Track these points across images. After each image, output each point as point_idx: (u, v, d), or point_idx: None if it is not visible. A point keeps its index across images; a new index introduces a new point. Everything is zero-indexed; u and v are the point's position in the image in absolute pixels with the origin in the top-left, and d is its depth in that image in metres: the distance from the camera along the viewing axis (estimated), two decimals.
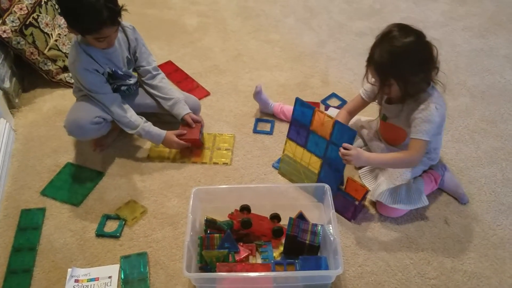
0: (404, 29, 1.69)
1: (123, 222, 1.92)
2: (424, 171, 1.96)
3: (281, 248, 1.79)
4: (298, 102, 1.92)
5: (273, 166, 2.15)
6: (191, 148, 2.20)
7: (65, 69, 2.57)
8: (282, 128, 2.30)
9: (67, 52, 2.52)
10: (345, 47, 2.89)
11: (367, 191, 1.87)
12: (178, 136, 2.11)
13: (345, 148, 1.77)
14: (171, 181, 2.09)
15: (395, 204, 1.84)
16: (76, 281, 1.73)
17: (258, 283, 1.64)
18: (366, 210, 1.96)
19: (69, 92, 2.37)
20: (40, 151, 2.22)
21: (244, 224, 1.78)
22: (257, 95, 2.34)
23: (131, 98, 2.18)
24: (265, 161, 2.18)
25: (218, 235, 1.72)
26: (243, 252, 1.75)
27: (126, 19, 1.92)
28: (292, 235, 1.69)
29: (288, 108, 2.29)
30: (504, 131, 2.31)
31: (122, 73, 2.06)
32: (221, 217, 1.83)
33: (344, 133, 1.80)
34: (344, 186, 1.91)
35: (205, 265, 1.69)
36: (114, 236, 1.87)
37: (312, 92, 2.55)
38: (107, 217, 1.94)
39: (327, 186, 1.78)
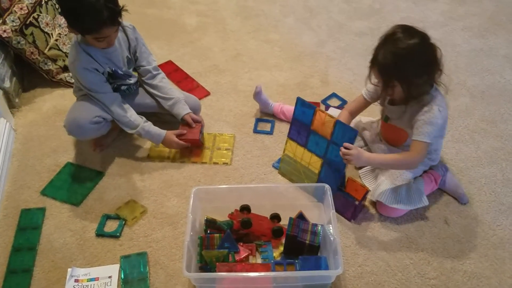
0: (408, 30, 1.69)
1: (123, 222, 1.92)
2: (425, 171, 1.96)
3: (281, 248, 1.79)
4: (299, 101, 1.92)
5: (273, 166, 2.15)
6: (191, 148, 2.20)
7: (65, 68, 2.57)
8: (282, 128, 2.30)
9: (68, 51, 2.52)
10: (344, 47, 2.89)
11: (367, 191, 1.87)
12: (178, 136, 2.11)
13: (346, 148, 1.77)
14: (171, 181, 2.09)
15: (395, 204, 1.84)
16: (76, 281, 1.73)
17: (258, 283, 1.64)
18: (366, 210, 1.96)
19: (69, 92, 2.37)
20: (40, 151, 2.22)
21: (244, 224, 1.78)
22: (257, 95, 2.34)
23: (131, 97, 2.18)
24: (265, 161, 2.18)
25: (218, 235, 1.72)
26: (243, 252, 1.75)
27: (126, 19, 1.92)
28: (292, 235, 1.69)
29: (288, 108, 2.30)
30: (504, 131, 2.31)
31: (122, 73, 2.06)
32: (221, 217, 1.83)
33: (345, 132, 1.80)
34: (344, 186, 1.91)
35: (205, 265, 1.69)
36: (114, 236, 1.87)
37: (311, 92, 2.55)
38: (107, 217, 1.94)
39: (327, 186, 1.78)
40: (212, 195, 1.86)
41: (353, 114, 2.03)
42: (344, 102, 2.46)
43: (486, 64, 2.74)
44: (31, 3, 2.40)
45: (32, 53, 2.43)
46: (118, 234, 1.88)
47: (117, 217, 1.94)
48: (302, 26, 3.07)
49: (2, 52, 2.37)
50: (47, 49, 2.48)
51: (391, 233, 1.88)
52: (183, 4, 3.29)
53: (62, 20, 2.56)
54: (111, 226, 1.92)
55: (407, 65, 1.66)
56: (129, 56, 2.08)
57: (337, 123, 1.81)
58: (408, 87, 1.70)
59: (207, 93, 2.54)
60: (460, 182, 2.04)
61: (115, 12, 1.77)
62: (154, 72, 2.17)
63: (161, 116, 2.24)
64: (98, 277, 1.74)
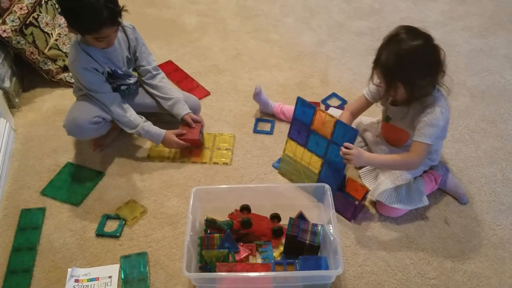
0: (412, 31, 1.68)
1: (123, 222, 1.92)
2: (425, 171, 1.96)
3: (281, 248, 1.79)
4: (299, 101, 1.92)
5: (273, 166, 2.15)
6: (191, 148, 2.20)
7: (65, 68, 2.57)
8: (282, 128, 2.30)
9: (67, 51, 2.52)
10: (344, 47, 2.89)
11: (367, 191, 1.87)
12: (177, 136, 2.11)
13: (346, 148, 1.77)
14: (171, 181, 2.09)
15: (395, 204, 1.84)
16: (76, 281, 1.73)
17: (258, 283, 1.64)
18: (366, 210, 1.96)
19: (69, 92, 2.37)
20: (40, 151, 2.22)
21: (244, 224, 1.78)
22: (257, 95, 2.34)
23: (131, 97, 2.17)
24: (265, 161, 2.18)
25: (218, 235, 1.72)
26: (243, 252, 1.75)
27: (125, 19, 1.92)
28: (292, 235, 1.69)
29: (288, 108, 2.30)
30: (504, 131, 2.31)
31: (121, 73, 2.06)
32: (221, 217, 1.83)
33: (345, 132, 1.80)
34: (344, 186, 1.91)
35: (205, 265, 1.69)
36: (114, 236, 1.87)
37: (311, 92, 2.55)
38: (107, 217, 1.94)
39: (327, 186, 1.78)
40: (212, 195, 1.86)
41: (355, 114, 2.03)
42: (344, 102, 2.46)
43: (486, 64, 2.74)
44: (31, 3, 2.40)
45: (32, 53, 2.43)
46: (118, 234, 1.88)
47: (117, 217, 1.94)
48: (302, 26, 3.07)
49: (2, 52, 2.37)
50: (47, 49, 2.48)
51: (391, 233, 1.88)
52: (183, 4, 3.29)
53: (62, 20, 2.56)
54: (111, 226, 1.92)
55: (410, 66, 1.66)
56: (129, 56, 2.08)
57: (337, 123, 1.81)
58: (411, 88, 1.69)
59: (207, 93, 2.54)
60: (460, 182, 2.04)
61: (115, 12, 1.77)
62: (154, 72, 2.17)
63: (161, 116, 2.24)
64: (98, 277, 1.74)
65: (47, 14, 2.48)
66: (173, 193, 2.04)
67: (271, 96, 2.42)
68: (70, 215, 1.96)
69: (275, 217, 1.87)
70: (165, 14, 3.19)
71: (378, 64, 1.71)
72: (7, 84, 2.34)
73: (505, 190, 2.04)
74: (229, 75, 2.67)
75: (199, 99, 2.38)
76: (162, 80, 2.18)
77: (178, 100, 2.14)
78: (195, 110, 2.23)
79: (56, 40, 2.53)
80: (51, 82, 2.55)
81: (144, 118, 2.08)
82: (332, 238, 1.65)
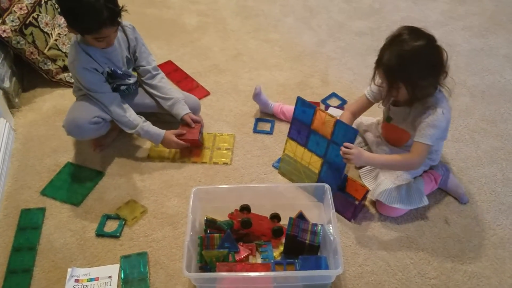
0: (414, 32, 1.67)
1: (123, 222, 1.92)
2: (425, 171, 1.96)
3: (281, 248, 1.79)
4: (299, 101, 1.92)
5: (273, 166, 2.15)
6: (191, 148, 2.20)
7: (65, 68, 2.57)
8: (282, 128, 2.30)
9: (67, 51, 2.52)
10: (344, 47, 2.89)
11: (367, 191, 1.87)
12: (177, 136, 2.11)
13: (346, 147, 1.77)
14: (171, 181, 2.09)
15: (395, 203, 1.84)
16: (76, 281, 1.73)
17: (258, 283, 1.64)
18: (366, 209, 1.96)
19: (69, 92, 2.37)
20: (40, 151, 2.22)
21: (244, 224, 1.78)
22: (257, 96, 2.34)
23: (131, 97, 2.17)
24: (265, 160, 2.18)
25: (218, 235, 1.72)
26: (243, 252, 1.75)
27: (125, 19, 1.92)
28: (292, 235, 1.69)
29: (288, 108, 2.29)
30: (504, 130, 2.31)
31: (121, 73, 2.06)
32: (221, 217, 1.83)
33: (345, 132, 1.80)
34: (344, 186, 1.91)
35: (205, 265, 1.69)
36: (114, 236, 1.87)
37: (311, 91, 2.55)
38: (107, 217, 1.94)
39: (327, 186, 1.78)
40: (212, 195, 1.86)
41: (355, 114, 2.02)
42: (344, 101, 2.46)
43: (486, 63, 2.74)
44: (30, 3, 2.40)
45: (31, 53, 2.43)
46: (118, 234, 1.88)
47: (117, 217, 1.94)
48: (302, 26, 3.07)
49: (1, 52, 2.37)
50: (46, 49, 2.48)
51: (391, 232, 1.88)
52: (183, 4, 3.29)
53: (61, 20, 2.56)
54: (111, 226, 1.92)
55: (412, 66, 1.65)
56: (129, 56, 2.08)
57: (337, 122, 1.81)
58: (412, 89, 1.69)
59: (207, 93, 2.54)
60: (460, 182, 2.04)
61: (115, 12, 1.77)
62: (154, 72, 2.17)
63: (160, 116, 2.24)
64: (98, 277, 1.74)
65: (47, 14, 2.48)
66: (173, 193, 2.04)
67: (271, 96, 2.42)
68: (70, 215, 1.96)
69: (275, 217, 1.87)
70: (165, 14, 3.19)
71: (381, 64, 1.71)
72: (7, 84, 2.34)
73: (505, 190, 2.04)
74: (229, 75, 2.67)
75: (199, 99, 2.38)
76: (161, 80, 2.18)
77: (178, 100, 2.14)
78: (195, 110, 2.23)
79: (56, 40, 2.53)
80: (51, 82, 2.55)
81: (143, 118, 2.08)
82: (332, 238, 1.64)
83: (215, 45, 2.90)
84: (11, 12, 2.34)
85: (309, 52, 2.85)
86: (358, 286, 1.72)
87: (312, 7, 3.25)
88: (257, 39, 2.95)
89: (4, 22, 2.32)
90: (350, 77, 2.65)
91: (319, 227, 1.71)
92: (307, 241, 1.68)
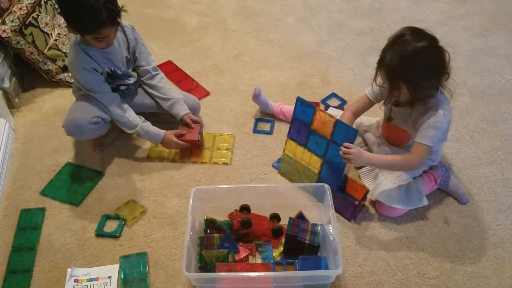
0: (417, 33, 1.67)
1: (123, 222, 1.92)
2: (424, 171, 1.96)
3: (281, 248, 1.79)
4: (299, 101, 1.92)
5: (273, 166, 2.15)
6: (191, 148, 2.20)
7: (65, 68, 2.57)
8: (282, 128, 2.30)
9: (67, 51, 2.52)
10: (345, 47, 2.89)
11: (367, 191, 1.87)
12: (177, 136, 2.11)
13: (346, 147, 1.77)
14: (171, 181, 2.09)
15: (395, 203, 1.84)
16: (76, 281, 1.73)
17: (257, 283, 1.64)
18: (366, 210, 1.96)
19: (68, 92, 2.37)
20: (39, 151, 2.22)
21: (244, 224, 1.78)
22: (256, 97, 2.33)
23: (130, 98, 2.17)
24: (265, 160, 2.17)
25: (217, 235, 1.72)
26: (243, 252, 1.75)
27: (125, 19, 1.92)
28: (292, 235, 1.69)
29: (288, 108, 2.29)
30: (504, 130, 2.31)
31: (121, 73, 2.06)
32: (221, 217, 1.83)
33: (345, 132, 1.80)
34: (344, 186, 1.91)
35: (205, 265, 1.69)
36: (114, 236, 1.87)
37: (312, 91, 2.55)
38: (107, 217, 1.94)
39: (327, 186, 1.78)
40: (212, 195, 1.86)
41: (356, 114, 2.02)
42: (344, 102, 2.46)
43: (486, 63, 2.74)
44: (30, 3, 2.40)
45: (31, 53, 2.43)
46: (118, 234, 1.88)
47: (117, 217, 1.94)
48: (302, 26, 3.07)
49: (1, 52, 2.37)
50: (46, 49, 2.48)
51: (391, 233, 1.88)
52: (183, 4, 3.29)
53: (61, 20, 2.56)
54: (111, 226, 1.92)
55: (414, 67, 1.65)
56: (128, 56, 2.08)
57: (337, 122, 1.81)
58: (414, 89, 1.69)
59: (207, 93, 2.54)
60: (460, 182, 2.04)
61: (114, 13, 1.77)
62: (153, 72, 2.16)
63: (160, 116, 2.23)
64: (97, 277, 1.74)
65: (46, 14, 2.48)
66: (173, 193, 2.04)
67: (271, 96, 2.42)
68: (70, 215, 1.96)
69: (275, 217, 1.87)
70: (165, 14, 3.19)
71: (382, 64, 1.71)
72: (6, 84, 2.34)
73: (505, 190, 2.03)
74: (230, 75, 2.67)
75: (199, 99, 2.38)
76: (161, 81, 2.18)
77: (177, 100, 2.14)
78: (195, 110, 2.23)
79: (55, 40, 2.53)
80: (50, 82, 2.55)
81: (143, 118, 2.08)
82: (331, 238, 1.64)
83: (215, 45, 2.90)
84: (11, 12, 2.34)
85: (309, 52, 2.85)
86: (358, 286, 1.72)
87: (312, 7, 3.25)
88: (257, 39, 2.95)
89: (4, 22, 2.32)
90: (350, 77, 2.65)
91: (319, 227, 1.71)
92: (307, 241, 1.68)
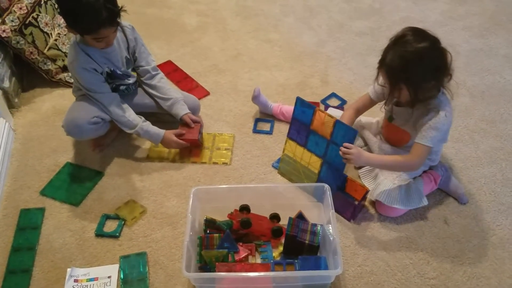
0: (418, 34, 1.66)
1: (123, 222, 1.92)
2: (424, 171, 1.96)
3: (281, 248, 1.79)
4: (299, 101, 1.92)
5: (272, 166, 2.15)
6: (191, 148, 2.20)
7: (64, 68, 2.57)
8: (281, 128, 2.30)
9: (67, 51, 2.52)
10: (344, 47, 2.89)
11: (367, 191, 1.87)
12: (177, 136, 2.11)
13: (345, 147, 1.77)
14: (171, 181, 2.09)
15: (395, 204, 1.84)
16: (76, 281, 1.73)
17: (257, 283, 1.64)
18: (365, 210, 1.96)
19: (68, 92, 2.37)
20: (39, 151, 2.22)
21: (244, 224, 1.78)
22: (256, 98, 2.33)
23: (130, 98, 2.17)
24: (265, 161, 2.17)
25: (217, 235, 1.72)
26: (243, 252, 1.75)
27: (125, 19, 1.92)
28: (292, 235, 1.69)
29: (287, 109, 2.29)
30: (504, 131, 2.31)
31: (120, 73, 2.06)
32: (221, 217, 1.83)
33: (345, 132, 1.80)
34: (344, 186, 1.91)
35: (205, 265, 1.69)
36: (114, 236, 1.87)
37: (311, 92, 2.55)
38: (107, 217, 1.94)
39: (326, 186, 1.78)
40: (212, 195, 1.86)
41: (358, 112, 2.02)
42: (343, 102, 2.46)
43: (486, 64, 2.74)
44: (30, 3, 2.40)
45: (31, 53, 2.43)
46: (117, 234, 1.88)
47: (116, 217, 1.94)
48: (302, 26, 3.07)
49: (1, 52, 2.37)
50: (46, 49, 2.48)
51: (391, 233, 1.88)
52: (183, 4, 3.29)
53: (61, 20, 2.56)
54: (110, 226, 1.92)
55: (415, 69, 1.64)
56: (128, 56, 2.08)
57: (337, 122, 1.81)
58: (415, 90, 1.68)
59: (207, 93, 2.54)
60: (460, 182, 2.04)
61: (114, 13, 1.77)
62: (153, 72, 2.16)
63: (160, 116, 2.23)
64: (97, 277, 1.74)
65: (46, 14, 2.48)
66: (173, 193, 2.04)
67: (271, 96, 2.42)
68: (70, 215, 1.96)
69: (275, 217, 1.87)
70: (165, 14, 3.19)
71: (383, 64, 1.71)
72: (6, 84, 2.34)
73: (505, 190, 2.03)
74: (229, 75, 2.67)
75: (199, 99, 2.38)
76: (161, 80, 2.18)
77: (177, 100, 2.14)
78: (195, 110, 2.23)
79: (55, 40, 2.53)
80: (50, 82, 2.55)
81: (143, 118, 2.08)
82: (331, 238, 1.64)
83: (215, 45, 2.90)
84: (10, 12, 2.34)
85: (309, 52, 2.85)
86: (358, 286, 1.72)
87: (312, 7, 3.25)
88: (257, 39, 2.95)
89: (3, 22, 2.32)
90: (350, 77, 2.65)
91: (319, 227, 1.71)
92: (307, 241, 1.68)
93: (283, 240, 1.78)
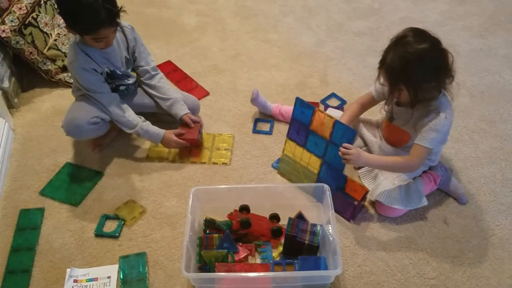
0: (419, 35, 1.66)
1: (122, 222, 1.92)
2: (424, 172, 1.96)
3: (280, 248, 1.79)
4: (298, 101, 1.92)
5: (272, 166, 2.15)
6: (190, 148, 2.20)
7: (64, 68, 2.57)
8: (281, 128, 2.30)
9: (67, 51, 2.52)
10: (344, 47, 2.89)
11: (366, 191, 1.87)
12: (177, 135, 2.11)
13: (345, 148, 1.77)
14: (170, 181, 2.09)
15: (394, 204, 1.84)
16: (75, 281, 1.73)
17: (257, 283, 1.64)
18: (365, 210, 1.96)
19: (68, 92, 2.37)
20: (39, 151, 2.22)
21: (243, 224, 1.78)
22: (254, 100, 2.33)
23: (130, 98, 2.17)
24: (264, 161, 2.17)
25: (217, 235, 1.72)
26: (242, 252, 1.75)
27: (124, 19, 1.92)
28: (291, 235, 1.69)
29: (286, 109, 2.29)
30: (503, 131, 2.31)
31: (120, 73, 2.06)
32: (220, 217, 1.83)
33: (344, 132, 1.80)
34: (343, 186, 1.91)
35: (204, 265, 1.69)
36: (113, 236, 1.87)
37: (311, 92, 2.55)
38: (106, 217, 1.94)
39: (326, 186, 1.78)
40: (211, 195, 1.86)
41: (363, 108, 2.03)
42: (343, 102, 2.46)
43: (485, 64, 2.74)
44: (30, 3, 2.40)
45: (31, 53, 2.42)
46: (117, 234, 1.88)
47: (116, 217, 1.94)
48: (301, 26, 3.07)
49: (1, 52, 2.37)
50: (46, 49, 2.48)
51: (391, 233, 1.88)
52: (183, 4, 3.28)
53: (61, 20, 2.55)
54: (110, 226, 1.92)
55: (415, 70, 1.64)
56: (128, 57, 2.08)
57: (336, 123, 1.81)
58: (414, 91, 1.68)
59: (206, 93, 2.54)
60: (460, 182, 2.04)
61: (113, 13, 1.77)
62: (153, 72, 2.16)
63: (160, 116, 2.23)
64: (97, 278, 1.74)
65: (46, 14, 2.48)
66: (172, 193, 2.04)
67: (271, 96, 2.42)
68: (69, 215, 1.96)
69: (274, 217, 1.87)
70: (164, 14, 3.19)
71: (384, 64, 1.71)
72: (6, 84, 2.34)
73: (504, 190, 2.04)
74: (229, 75, 2.67)
75: (198, 99, 2.38)
76: (160, 80, 2.18)
77: (177, 100, 2.14)
78: (194, 110, 2.23)
79: (55, 40, 2.53)
80: (50, 82, 2.55)
81: (143, 118, 2.08)
82: (331, 238, 1.65)
83: (214, 45, 2.90)
84: (10, 12, 2.34)
85: (309, 52, 2.85)
86: (357, 286, 1.72)
87: (312, 7, 3.25)
88: (256, 39, 2.95)
89: (3, 22, 2.31)
90: (349, 77, 2.65)
91: (318, 228, 1.71)
92: (306, 242, 1.68)
93: (282, 240, 1.78)
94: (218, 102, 2.49)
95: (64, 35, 2.58)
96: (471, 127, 2.33)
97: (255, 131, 2.32)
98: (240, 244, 1.80)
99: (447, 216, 1.94)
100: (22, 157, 2.19)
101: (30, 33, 2.40)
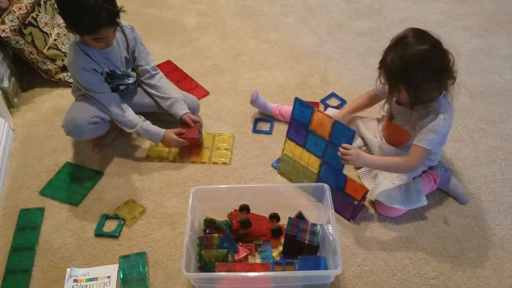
0: (420, 35, 1.65)
1: (122, 222, 1.91)
2: (424, 171, 1.96)
3: (280, 248, 1.79)
4: (297, 101, 1.92)
5: (272, 166, 2.15)
6: (190, 148, 2.20)
7: (64, 68, 2.57)
8: (281, 128, 2.30)
9: (66, 51, 2.52)
10: (344, 47, 2.89)
11: (366, 191, 1.86)
12: (177, 134, 2.11)
13: (344, 148, 1.77)
14: (170, 180, 2.09)
15: (394, 204, 1.84)
16: (75, 281, 1.73)
17: (257, 283, 1.64)
18: (365, 209, 1.96)
19: (68, 92, 2.37)
20: (38, 151, 2.22)
21: (243, 224, 1.78)
22: (254, 102, 2.34)
23: (130, 97, 2.17)
24: (264, 160, 2.17)
25: (217, 235, 1.72)
26: (242, 252, 1.75)
27: (124, 19, 1.92)
28: (291, 235, 1.69)
29: (286, 109, 2.29)
30: (503, 130, 2.31)
31: (120, 73, 2.06)
32: (220, 217, 1.83)
33: (343, 133, 1.80)
34: (343, 186, 1.91)
35: (204, 265, 1.69)
36: (113, 236, 1.87)
37: (311, 92, 2.55)
38: (106, 217, 1.94)
39: (326, 186, 1.78)
40: (211, 195, 1.86)
41: (371, 100, 2.06)
42: (343, 102, 2.46)
43: (485, 64, 2.74)
44: (30, 2, 2.40)
45: (31, 52, 2.42)
46: (117, 234, 1.87)
47: (116, 217, 1.94)
48: (302, 26, 3.07)
49: (0, 52, 2.37)
50: (46, 49, 2.48)
51: (391, 233, 1.88)
52: (183, 4, 3.28)
53: (61, 20, 2.55)
54: (110, 226, 1.92)
55: (415, 70, 1.63)
56: (128, 56, 2.08)
57: (335, 123, 1.81)
58: (414, 92, 1.67)
59: (206, 93, 2.54)
60: (459, 182, 2.04)
61: (113, 13, 1.77)
62: (153, 72, 2.16)
63: (159, 116, 2.23)
64: (97, 277, 1.74)
65: (46, 14, 2.48)
66: (172, 193, 2.04)
67: (271, 96, 2.42)
68: (69, 215, 1.96)
69: (274, 217, 1.87)
70: (164, 14, 3.19)
71: (384, 65, 1.70)
72: (6, 84, 2.34)
73: (504, 190, 2.03)
74: (229, 75, 2.67)
75: (199, 99, 2.38)
76: (160, 80, 2.18)
77: (177, 99, 2.14)
78: (194, 109, 2.23)
79: (55, 40, 2.53)
80: (50, 82, 2.55)
81: (143, 118, 2.08)
82: (331, 238, 1.64)
83: (214, 45, 2.90)
84: (10, 12, 2.34)
85: (309, 52, 2.85)
86: (357, 286, 1.72)
87: (312, 7, 3.25)
88: (256, 39, 2.95)
89: (3, 22, 2.31)
90: (349, 77, 2.65)
91: (318, 227, 1.71)
92: (306, 241, 1.68)
93: (282, 240, 1.78)
94: (218, 102, 2.49)
95: (64, 35, 2.58)
96: (471, 127, 2.33)
97: (255, 131, 2.32)
98: (240, 243, 1.79)
99: (447, 216, 1.94)
100: (22, 157, 2.19)
101: (30, 33, 2.40)
